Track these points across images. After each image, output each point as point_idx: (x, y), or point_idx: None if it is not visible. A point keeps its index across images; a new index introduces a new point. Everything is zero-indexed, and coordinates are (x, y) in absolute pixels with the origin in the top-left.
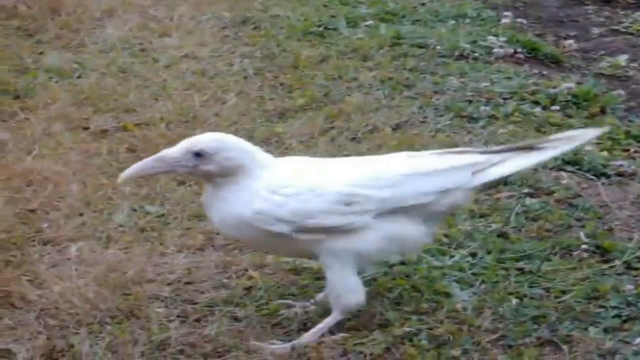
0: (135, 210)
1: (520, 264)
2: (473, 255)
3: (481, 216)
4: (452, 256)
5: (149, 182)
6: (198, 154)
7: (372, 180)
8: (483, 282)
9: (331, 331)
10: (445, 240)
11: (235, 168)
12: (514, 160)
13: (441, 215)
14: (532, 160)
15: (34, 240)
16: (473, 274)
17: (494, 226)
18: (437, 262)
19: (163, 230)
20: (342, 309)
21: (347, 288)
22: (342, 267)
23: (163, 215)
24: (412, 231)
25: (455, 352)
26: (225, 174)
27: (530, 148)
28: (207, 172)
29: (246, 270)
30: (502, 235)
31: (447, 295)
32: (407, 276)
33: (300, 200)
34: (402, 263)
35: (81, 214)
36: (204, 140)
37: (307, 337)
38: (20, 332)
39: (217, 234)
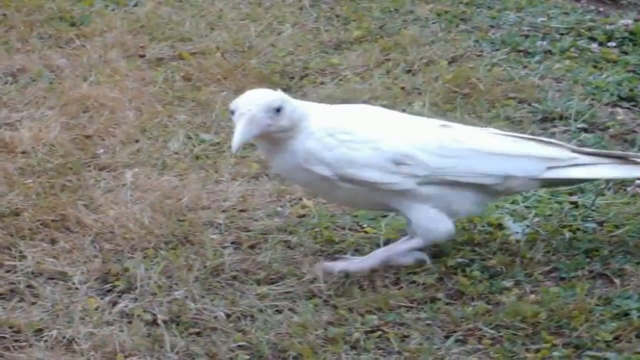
0: (190, 138)
1: (573, 198)
2: None
3: None
4: None
5: (204, 110)
6: (278, 109)
7: (436, 147)
8: (536, 215)
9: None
10: None
11: (297, 120)
12: (601, 168)
13: (499, 196)
14: (621, 174)
15: (89, 166)
16: (526, 207)
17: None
18: None
19: (218, 158)
20: (431, 240)
21: (433, 220)
22: (419, 206)
23: (218, 143)
24: (459, 205)
25: (507, 283)
26: (293, 127)
27: (624, 159)
28: (284, 127)
29: (300, 199)
30: None
31: (501, 227)
32: None
33: (351, 148)
34: None
35: (137, 141)
36: (275, 95)
37: (380, 252)
38: (76, 256)
39: None
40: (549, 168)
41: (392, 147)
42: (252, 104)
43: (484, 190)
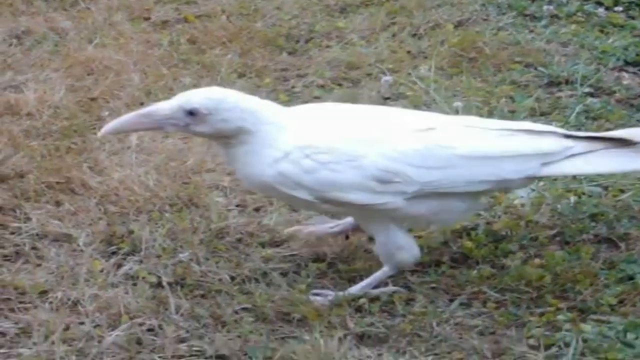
0: None
1: None
2: None
3: (541, 114)
4: None
5: (209, 73)
6: (191, 113)
7: (422, 158)
8: (541, 178)
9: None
10: None
11: (234, 131)
12: (600, 158)
13: (488, 197)
14: (620, 165)
15: (94, 128)
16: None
17: (554, 124)
18: None
19: None
20: (396, 266)
21: (398, 246)
22: (384, 229)
23: None
24: (450, 214)
25: (512, 247)
26: (221, 136)
27: (624, 141)
28: (200, 134)
29: None
30: None
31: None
32: None
33: (333, 170)
34: None
35: (142, 104)
36: (198, 96)
37: (354, 290)
38: (81, 218)
39: None
40: (544, 164)
41: (374, 164)
42: (173, 99)
43: (477, 196)
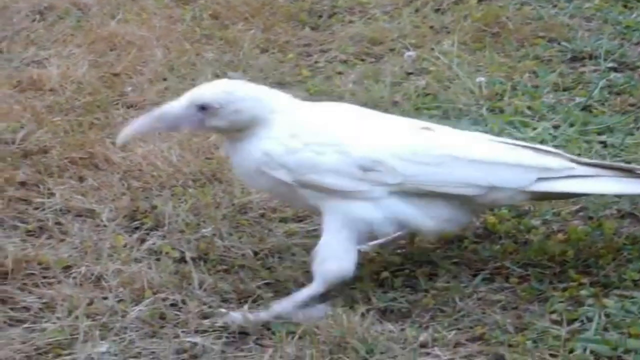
0: (218, 76)
1: (603, 137)
2: (556, 127)
3: (565, 89)
4: (535, 128)
5: (232, 48)
6: (203, 108)
7: (411, 152)
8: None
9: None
10: (528, 112)
11: (247, 121)
12: (600, 181)
13: (482, 209)
14: (621, 189)
15: (117, 104)
16: (555, 146)
17: (577, 99)
18: (519, 134)
19: None
20: (323, 277)
21: (334, 253)
22: (338, 230)
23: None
24: (434, 221)
25: (535, 222)
26: (236, 128)
27: (629, 172)
28: (215, 128)
29: None
30: (586, 108)
31: None
32: None
33: (315, 152)
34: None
35: (165, 79)
36: (209, 91)
37: (279, 307)
38: (104, 193)
39: None
40: (540, 179)
41: (360, 151)
42: (182, 98)
43: (465, 202)
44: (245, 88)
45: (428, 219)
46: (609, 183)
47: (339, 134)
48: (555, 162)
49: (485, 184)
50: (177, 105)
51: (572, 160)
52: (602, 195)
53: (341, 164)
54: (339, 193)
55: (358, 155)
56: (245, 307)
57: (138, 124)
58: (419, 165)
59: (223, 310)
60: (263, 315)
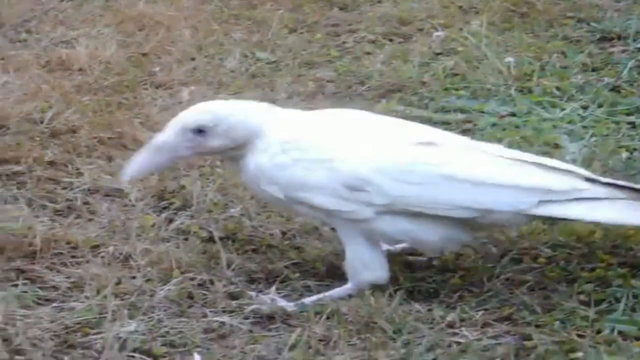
0: (246, 56)
1: (631, 118)
2: (584, 108)
3: (593, 70)
4: (563, 109)
5: (260, 28)
6: (199, 130)
7: (401, 170)
8: (593, 135)
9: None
10: (556, 92)
11: (244, 136)
12: (607, 208)
13: (483, 230)
14: (626, 217)
15: (145, 84)
16: (583, 126)
17: (606, 80)
18: (547, 114)
19: (274, 76)
20: (358, 285)
21: (362, 263)
22: (355, 241)
23: (274, 61)
24: (429, 240)
25: None
26: (234, 144)
27: None
28: (214, 149)
29: None
30: (614, 89)
31: (557, 146)
32: (516, 127)
33: (304, 168)
34: (513, 114)
35: (193, 59)
36: (198, 113)
37: (309, 302)
38: None
39: (329, 81)
40: (542, 202)
41: (348, 168)
42: (169, 127)
43: (461, 223)
44: (229, 105)
45: (424, 237)
46: (622, 211)
47: (329, 149)
48: (563, 182)
49: (478, 206)
50: (169, 134)
51: (587, 179)
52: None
53: (329, 182)
54: (330, 212)
55: (345, 172)
56: (273, 288)
57: (139, 161)
58: (409, 186)
59: (252, 293)
60: (291, 307)
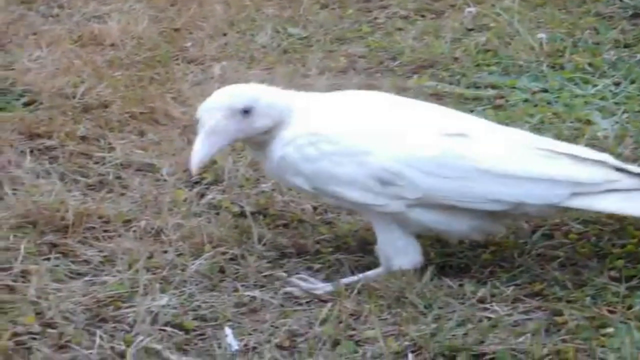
0: (278, 32)
1: None
2: (616, 84)
3: (625, 46)
4: (595, 85)
5: (292, 4)
6: (245, 111)
7: (433, 164)
8: (625, 111)
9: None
10: (588, 69)
11: (281, 113)
12: None
13: (513, 220)
14: None
15: (177, 59)
16: (615, 103)
17: (638, 56)
18: (579, 91)
19: (305, 52)
20: (391, 269)
21: (396, 249)
22: (388, 227)
23: (306, 37)
24: (458, 230)
25: None
26: (276, 123)
27: None
28: (260, 129)
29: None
30: None
31: (589, 122)
32: (548, 103)
33: (333, 162)
34: (544, 91)
35: (225, 34)
36: (237, 95)
37: (344, 281)
38: (164, 148)
39: (360, 56)
40: (575, 194)
41: (380, 163)
42: (213, 111)
43: (491, 216)
44: (254, 87)
45: (452, 229)
46: None
47: (358, 142)
48: (595, 174)
49: (511, 199)
50: (217, 118)
51: (619, 169)
52: None
53: (359, 176)
54: (360, 205)
55: (377, 166)
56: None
57: (199, 149)
58: (441, 179)
59: (284, 274)
60: (322, 291)
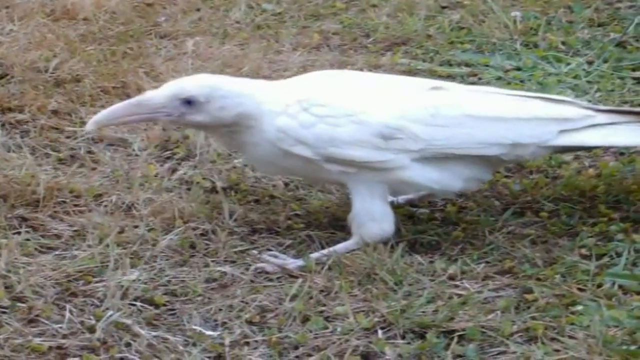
0: (252, 7)
1: (637, 74)
2: (589, 63)
3: (599, 25)
4: (568, 63)
5: None
6: (188, 102)
7: (429, 115)
8: (598, 90)
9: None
10: (562, 47)
11: (233, 118)
12: (621, 132)
13: (500, 166)
14: None
15: (150, 34)
16: (588, 81)
17: (612, 35)
18: (552, 69)
19: (279, 28)
20: (364, 238)
21: (371, 217)
22: (370, 195)
23: (280, 13)
24: (457, 183)
25: (567, 157)
26: (220, 124)
27: None
28: (195, 123)
29: (361, 69)
30: (620, 44)
31: None
32: (521, 81)
33: (331, 124)
34: (518, 69)
35: (198, 9)
36: (193, 85)
37: (314, 256)
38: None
39: (334, 33)
40: (562, 131)
41: (379, 119)
42: (161, 90)
43: (487, 161)
44: (230, 83)
45: (451, 182)
46: (628, 133)
47: (352, 102)
48: (575, 111)
49: (508, 141)
50: (159, 95)
51: (589, 108)
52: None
53: (361, 134)
54: (363, 164)
55: (377, 123)
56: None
57: (113, 109)
58: (441, 129)
59: (255, 252)
60: (293, 266)
